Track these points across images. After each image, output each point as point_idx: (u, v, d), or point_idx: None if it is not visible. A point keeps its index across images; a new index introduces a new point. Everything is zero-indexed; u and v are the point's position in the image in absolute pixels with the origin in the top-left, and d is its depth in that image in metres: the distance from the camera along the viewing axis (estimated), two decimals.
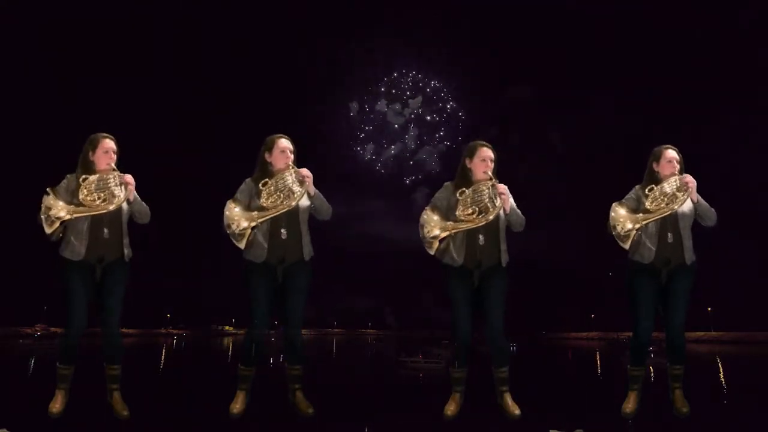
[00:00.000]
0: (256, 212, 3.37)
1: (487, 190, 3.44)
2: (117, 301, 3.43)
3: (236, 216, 3.36)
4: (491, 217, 3.38)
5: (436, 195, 3.59)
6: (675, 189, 3.48)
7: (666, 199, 3.47)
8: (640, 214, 3.50)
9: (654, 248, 3.50)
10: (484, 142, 3.61)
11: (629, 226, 3.48)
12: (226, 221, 3.37)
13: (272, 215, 3.35)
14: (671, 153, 3.60)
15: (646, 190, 3.56)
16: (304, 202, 3.46)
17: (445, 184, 3.62)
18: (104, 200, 3.35)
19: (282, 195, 3.38)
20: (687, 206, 3.50)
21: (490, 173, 3.50)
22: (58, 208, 3.28)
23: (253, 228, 3.37)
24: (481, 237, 3.44)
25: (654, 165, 3.63)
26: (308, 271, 3.51)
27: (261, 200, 3.39)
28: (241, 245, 3.38)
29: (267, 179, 3.44)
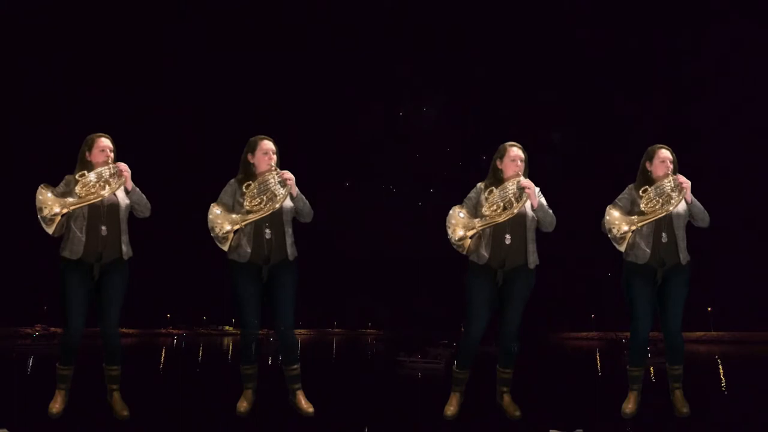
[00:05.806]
0: (239, 215, 3.36)
1: (512, 187, 3.42)
2: (114, 301, 3.41)
3: (219, 219, 3.35)
4: (515, 211, 3.35)
5: (468, 195, 3.58)
6: (669, 190, 3.45)
7: (661, 200, 3.44)
8: (635, 216, 3.47)
9: (648, 249, 3.49)
10: (515, 143, 3.58)
11: (625, 228, 3.45)
12: (209, 224, 3.35)
13: (256, 218, 3.35)
14: (665, 153, 3.57)
15: (640, 191, 3.53)
16: (288, 203, 3.47)
17: (478, 184, 3.60)
18: (101, 188, 3.34)
19: (265, 198, 3.37)
20: (681, 206, 3.48)
21: (519, 172, 3.48)
22: (49, 206, 3.27)
23: (235, 232, 3.36)
24: (507, 237, 3.42)
25: (647, 164, 3.60)
26: (293, 270, 3.50)
27: (245, 203, 3.38)
28: (224, 247, 3.38)
29: (250, 181, 3.44)
